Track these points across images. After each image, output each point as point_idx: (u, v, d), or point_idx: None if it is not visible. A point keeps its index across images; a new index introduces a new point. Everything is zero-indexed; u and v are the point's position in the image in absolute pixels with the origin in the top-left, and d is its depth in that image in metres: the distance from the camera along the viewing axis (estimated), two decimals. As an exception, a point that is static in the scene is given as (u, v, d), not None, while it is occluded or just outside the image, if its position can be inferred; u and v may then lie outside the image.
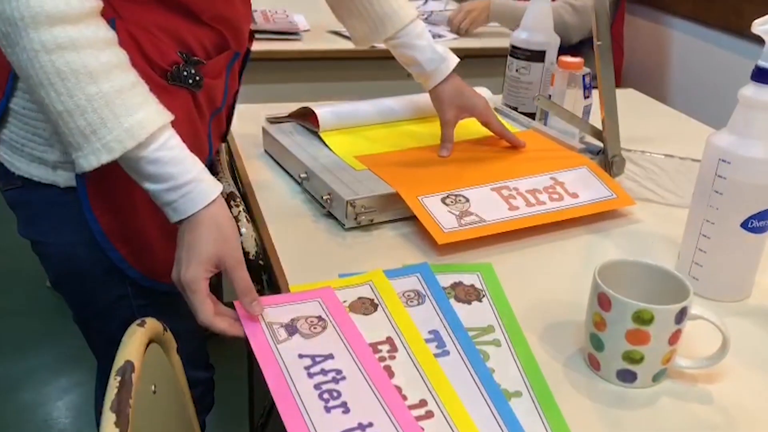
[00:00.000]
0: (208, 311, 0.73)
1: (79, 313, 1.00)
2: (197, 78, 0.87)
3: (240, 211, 0.97)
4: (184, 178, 0.75)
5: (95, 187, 0.83)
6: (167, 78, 0.85)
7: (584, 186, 1.05)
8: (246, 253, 0.93)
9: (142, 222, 0.87)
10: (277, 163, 1.16)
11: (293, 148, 1.10)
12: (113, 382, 0.59)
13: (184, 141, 0.87)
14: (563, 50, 1.35)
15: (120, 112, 0.71)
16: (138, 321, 0.67)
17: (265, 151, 1.19)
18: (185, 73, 0.86)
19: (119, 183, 0.82)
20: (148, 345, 0.67)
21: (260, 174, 1.13)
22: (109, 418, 0.56)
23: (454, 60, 1.13)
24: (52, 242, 0.88)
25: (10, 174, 0.86)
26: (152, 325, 0.69)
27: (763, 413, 0.69)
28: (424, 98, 1.25)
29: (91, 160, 0.72)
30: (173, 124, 0.77)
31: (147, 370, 0.65)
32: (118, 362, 0.61)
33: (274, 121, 1.22)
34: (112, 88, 0.71)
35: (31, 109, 0.82)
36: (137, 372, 0.61)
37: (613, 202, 1.03)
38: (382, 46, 1.15)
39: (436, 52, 1.11)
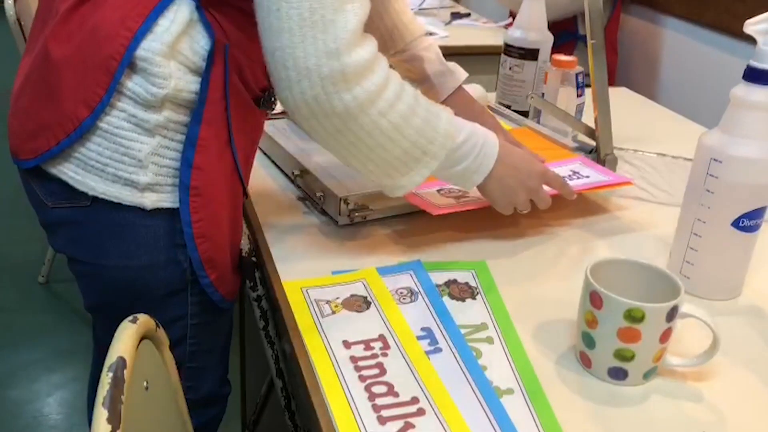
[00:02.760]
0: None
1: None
2: (276, 101, 0.90)
3: (233, 208, 0.97)
4: (480, 140, 0.87)
5: (199, 215, 0.81)
6: (258, 103, 0.87)
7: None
8: (239, 251, 0.93)
9: (224, 249, 0.86)
10: (271, 160, 1.15)
11: (287, 145, 1.10)
12: (105, 378, 0.58)
13: (253, 155, 0.93)
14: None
15: (434, 123, 0.82)
16: (130, 318, 0.67)
17: (259, 148, 1.19)
18: (272, 99, 0.89)
19: (217, 213, 0.83)
20: (140, 341, 0.67)
21: (253, 171, 1.12)
22: (101, 414, 0.55)
23: (463, 74, 1.14)
24: (115, 265, 0.83)
25: (76, 193, 0.80)
26: (144, 321, 0.69)
27: (752, 411, 0.69)
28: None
29: (424, 173, 0.83)
30: (254, 145, 0.86)
31: (139, 367, 0.65)
32: (110, 358, 0.61)
33: (268, 118, 1.22)
34: (424, 109, 0.81)
35: (126, 128, 0.78)
36: (129, 368, 0.61)
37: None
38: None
39: (444, 65, 1.12)
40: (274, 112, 1.22)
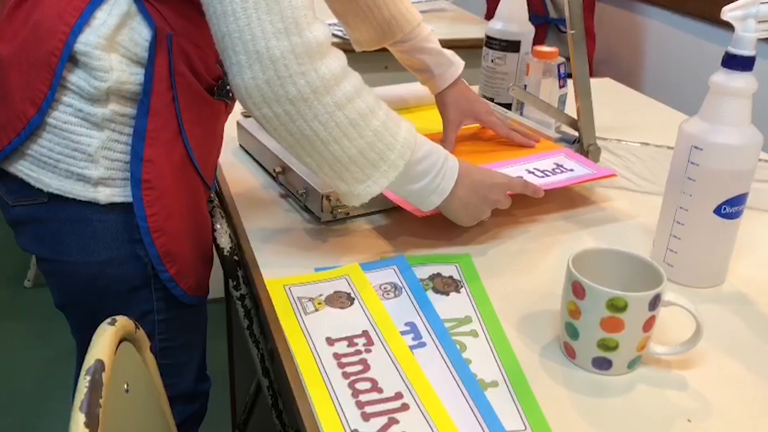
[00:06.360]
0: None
1: (89, 332, 0.98)
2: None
3: (214, 207, 0.96)
4: (440, 160, 0.84)
5: (153, 209, 0.81)
6: (213, 93, 0.86)
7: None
8: (221, 249, 0.92)
9: (184, 242, 0.86)
10: (252, 158, 1.15)
11: (268, 142, 1.09)
12: (83, 382, 0.58)
13: (215, 148, 0.91)
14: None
15: (394, 131, 0.79)
16: (108, 320, 0.66)
17: (240, 145, 1.18)
18: (227, 87, 0.87)
19: (172, 206, 0.82)
20: (119, 344, 0.67)
21: (234, 169, 1.12)
22: (78, 419, 0.55)
23: (461, 64, 1.13)
24: (76, 261, 0.83)
25: (33, 190, 0.80)
26: (123, 323, 0.68)
27: (737, 397, 0.69)
28: (404, 89, 1.24)
29: (382, 183, 0.80)
30: (215, 136, 0.84)
31: (119, 369, 0.64)
32: (88, 362, 0.60)
33: (249, 115, 1.21)
34: (384, 113, 0.79)
35: (74, 123, 0.78)
36: (108, 371, 0.60)
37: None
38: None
39: (444, 56, 1.12)
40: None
